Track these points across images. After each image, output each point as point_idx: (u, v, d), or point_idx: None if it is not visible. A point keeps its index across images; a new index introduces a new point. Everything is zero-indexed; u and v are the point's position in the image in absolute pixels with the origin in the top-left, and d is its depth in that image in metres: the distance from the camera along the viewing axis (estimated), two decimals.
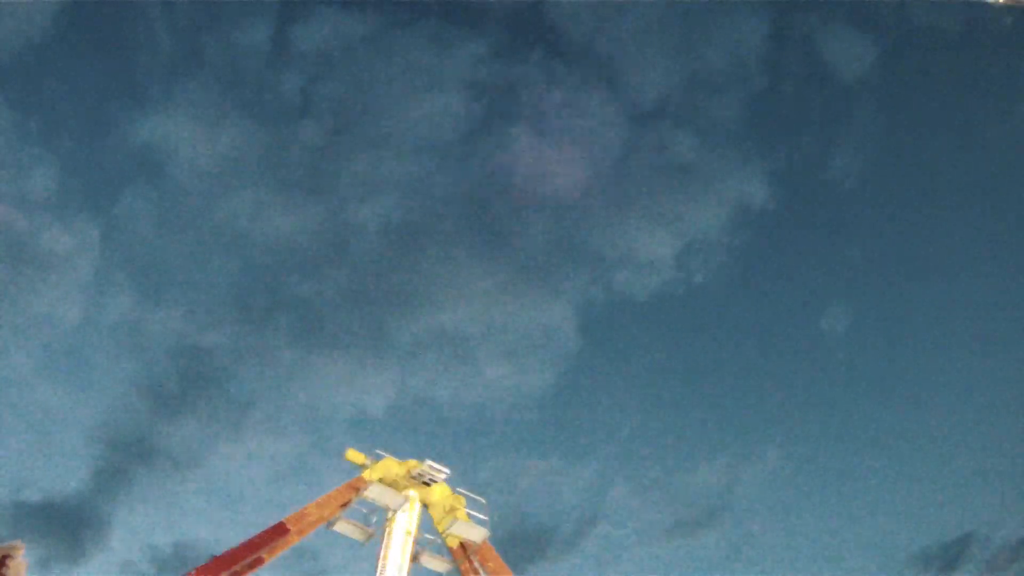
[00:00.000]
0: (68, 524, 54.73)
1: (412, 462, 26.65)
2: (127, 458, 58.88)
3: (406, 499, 25.83)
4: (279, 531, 23.60)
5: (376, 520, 25.99)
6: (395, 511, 25.82)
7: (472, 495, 26.83)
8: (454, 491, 26.79)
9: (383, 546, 25.56)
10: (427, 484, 26.48)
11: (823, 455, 61.80)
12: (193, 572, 21.23)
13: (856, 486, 60.19)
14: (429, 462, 26.59)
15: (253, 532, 23.06)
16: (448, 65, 69.63)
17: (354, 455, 26.45)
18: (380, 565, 25.20)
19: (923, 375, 61.20)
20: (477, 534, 25.89)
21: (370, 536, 25.82)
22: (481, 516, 26.43)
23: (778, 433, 60.46)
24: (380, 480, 25.73)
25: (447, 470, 26.60)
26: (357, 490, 25.73)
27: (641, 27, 67.48)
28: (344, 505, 25.44)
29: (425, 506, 26.54)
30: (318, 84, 68.83)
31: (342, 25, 64.93)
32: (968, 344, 60.23)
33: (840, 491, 59.51)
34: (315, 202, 68.90)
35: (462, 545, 25.95)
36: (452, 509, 26.21)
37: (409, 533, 25.86)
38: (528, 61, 69.78)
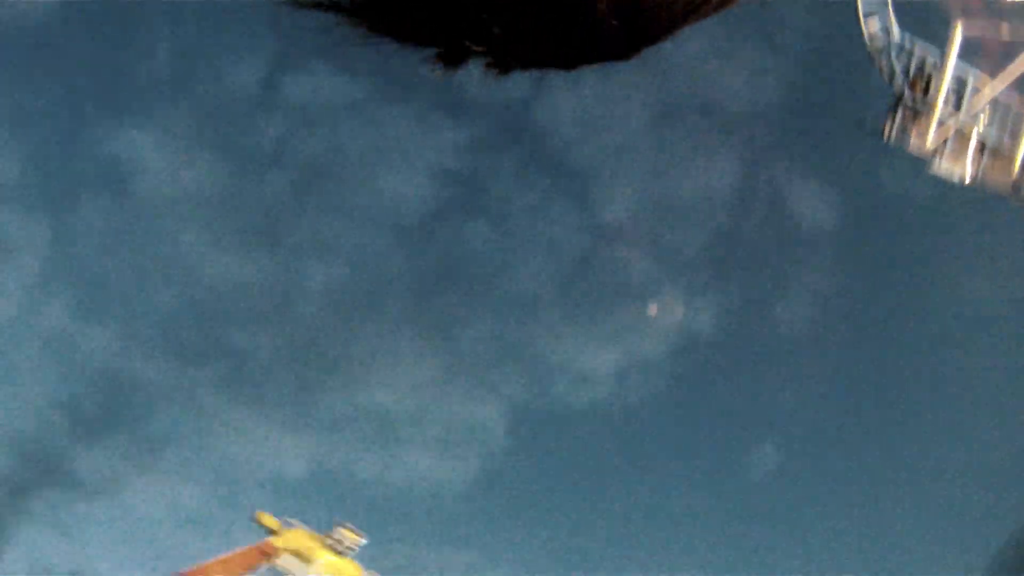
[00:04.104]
0: None
1: (323, 537, 26.42)
2: (35, 474, 57.32)
3: (312, 573, 25.55)
4: None
5: None
6: None
7: None
8: (365, 571, 26.60)
9: None
10: (340, 553, 26.24)
11: None
12: None
13: None
14: (349, 525, 26.44)
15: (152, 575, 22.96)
16: (426, 148, 70.83)
17: (267, 519, 26.23)
18: None
19: (846, 521, 62.42)
20: None
21: None
22: None
23: (697, 559, 60.53)
24: (289, 549, 25.45)
25: (364, 538, 26.46)
26: (265, 555, 25.57)
27: (619, 147, 69.46)
28: (250, 568, 25.19)
29: None
30: (295, 138, 69.38)
31: (332, 86, 65.70)
32: (897, 494, 61.56)
33: None
34: (268, 254, 68.90)
35: None
36: None
37: None
38: (503, 159, 71.13)
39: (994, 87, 18.48)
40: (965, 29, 20.01)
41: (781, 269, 70.82)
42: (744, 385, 69.45)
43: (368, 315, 70.41)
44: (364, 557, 26.79)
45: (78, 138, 66.33)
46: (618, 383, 64.91)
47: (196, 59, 67.67)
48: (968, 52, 19.48)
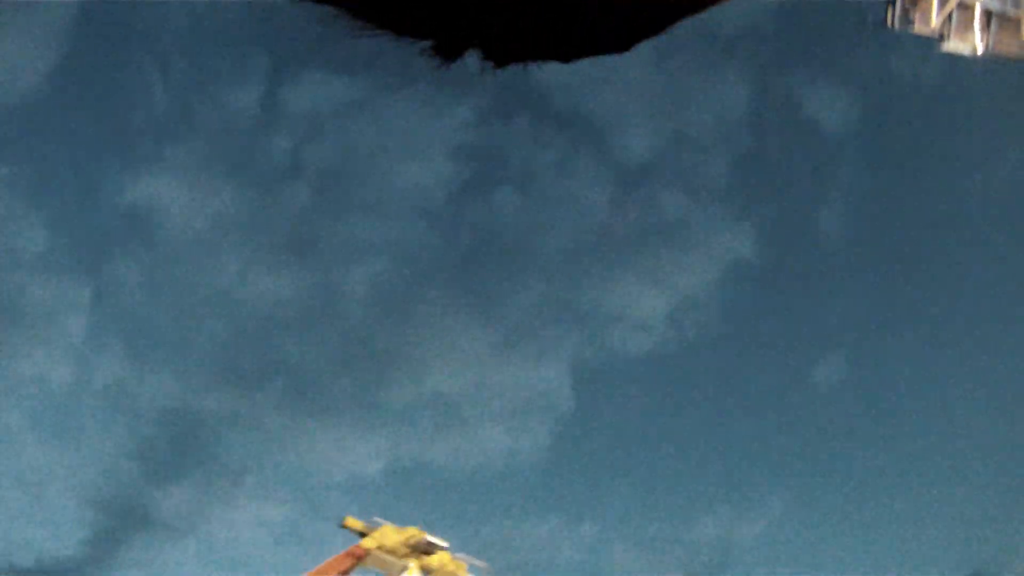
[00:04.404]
0: None
1: (411, 530, 26.72)
2: (120, 523, 58.22)
3: (406, 567, 25.88)
4: None
5: None
6: None
7: (473, 560, 26.89)
8: (453, 556, 26.83)
9: None
10: (426, 553, 26.56)
11: (826, 503, 61.54)
12: None
13: (859, 532, 59.89)
14: (428, 537, 26.71)
15: None
16: (436, 130, 70.41)
17: (352, 522, 26.67)
18: None
19: (920, 421, 61.51)
20: None
21: None
22: None
23: (780, 482, 60.21)
24: (379, 548, 25.78)
25: (446, 543, 26.72)
26: (356, 558, 25.94)
27: (627, 89, 68.62)
28: (344, 574, 25.51)
29: (426, 573, 26.54)
30: (307, 147, 69.42)
31: (332, 89, 65.68)
32: (963, 389, 60.67)
33: (842, 537, 59.20)
34: (304, 265, 69.09)
35: None
36: (453, 575, 26.28)
37: None
38: (515, 125, 70.49)
39: None
40: None
41: (811, 180, 69.96)
42: (796, 302, 68.93)
43: (414, 303, 70.30)
44: (451, 546, 27.00)
45: (96, 195, 66.79)
46: (673, 323, 64.50)
47: (192, 91, 67.84)
48: None
